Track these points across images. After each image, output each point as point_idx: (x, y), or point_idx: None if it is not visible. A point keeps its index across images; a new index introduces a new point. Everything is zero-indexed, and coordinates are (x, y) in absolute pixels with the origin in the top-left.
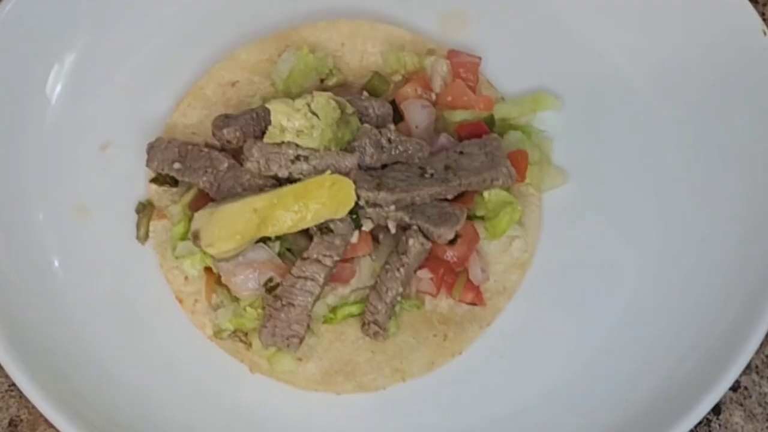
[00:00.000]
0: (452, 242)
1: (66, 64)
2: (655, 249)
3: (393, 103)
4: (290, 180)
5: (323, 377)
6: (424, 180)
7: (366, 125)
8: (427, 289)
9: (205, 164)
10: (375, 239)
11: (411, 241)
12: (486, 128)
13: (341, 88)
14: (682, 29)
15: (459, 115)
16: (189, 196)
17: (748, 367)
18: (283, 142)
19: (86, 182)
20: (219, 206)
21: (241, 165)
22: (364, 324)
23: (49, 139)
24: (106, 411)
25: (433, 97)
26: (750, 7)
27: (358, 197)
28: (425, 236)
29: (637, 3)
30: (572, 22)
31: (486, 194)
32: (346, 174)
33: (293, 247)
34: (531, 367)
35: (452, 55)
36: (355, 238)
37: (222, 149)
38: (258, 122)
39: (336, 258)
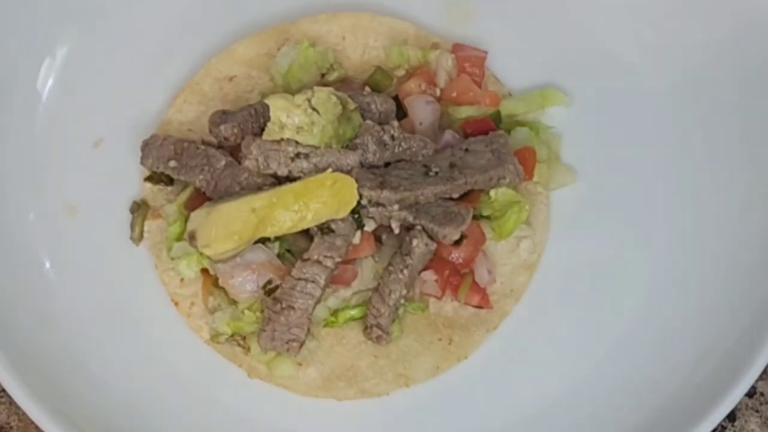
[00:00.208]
0: (458, 243)
1: (57, 58)
2: (668, 249)
3: (396, 98)
4: (290, 178)
5: (324, 383)
6: (428, 178)
7: (368, 122)
8: (431, 292)
9: (202, 162)
10: (378, 240)
11: (415, 242)
12: (492, 125)
13: (342, 84)
14: (695, 21)
15: (464, 111)
16: (185, 195)
17: (765, 372)
18: (282, 139)
19: (78, 181)
20: (216, 206)
21: (239, 163)
22: (366, 327)
23: (39, 136)
24: (98, 417)
25: (438, 92)
26: None
27: (360, 196)
28: (430, 237)
29: None
30: (581, 15)
31: (492, 193)
32: (348, 172)
33: (293, 248)
34: (539, 372)
35: (457, 49)
36: (357, 239)
37: (219, 146)
38: (256, 118)
39: (337, 259)
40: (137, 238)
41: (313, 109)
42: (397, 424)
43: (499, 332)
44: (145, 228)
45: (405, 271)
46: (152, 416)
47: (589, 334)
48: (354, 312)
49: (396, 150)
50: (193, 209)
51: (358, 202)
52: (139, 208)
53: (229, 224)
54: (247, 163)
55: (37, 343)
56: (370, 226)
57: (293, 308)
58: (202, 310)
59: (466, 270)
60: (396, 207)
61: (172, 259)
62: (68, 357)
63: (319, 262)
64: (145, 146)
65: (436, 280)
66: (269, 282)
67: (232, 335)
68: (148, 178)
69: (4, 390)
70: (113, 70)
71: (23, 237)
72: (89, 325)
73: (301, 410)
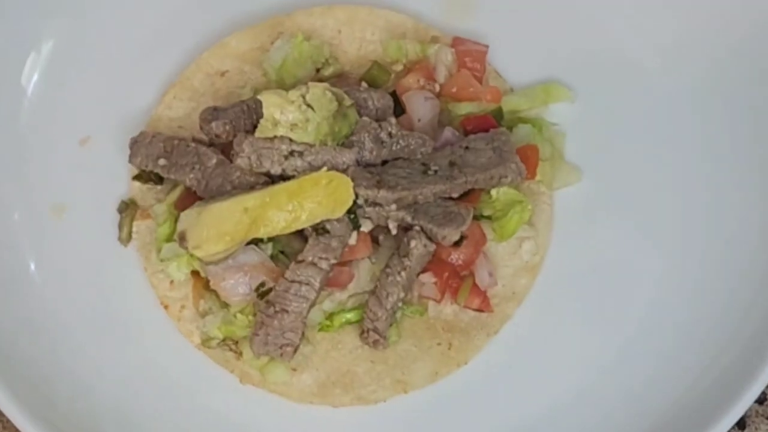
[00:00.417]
0: (457, 244)
1: (43, 52)
2: (676, 251)
3: (394, 94)
4: (283, 177)
5: (319, 389)
6: (427, 177)
7: (365, 118)
8: (430, 295)
9: (193, 160)
10: (375, 241)
11: (413, 243)
12: (493, 122)
13: (338, 79)
14: (706, 15)
15: (464, 108)
16: (175, 195)
17: None
18: (275, 137)
19: (64, 180)
20: (207, 205)
21: (231, 161)
22: (363, 332)
23: (24, 133)
24: (86, 425)
25: (437, 88)
26: None
27: (357, 196)
28: (428, 237)
29: None
30: (587, 7)
31: (494, 192)
32: (344, 171)
33: (287, 249)
34: (541, 378)
35: (457, 43)
36: (353, 240)
37: (210, 144)
38: (249, 115)
39: (333, 261)
40: (125, 239)
41: (308, 105)
42: (394, 431)
43: (500, 337)
44: (134, 229)
45: (403, 274)
46: (141, 424)
47: (594, 339)
48: (350, 316)
49: (393, 148)
50: (183, 209)
51: (354, 202)
52: (128, 208)
53: (220, 225)
54: (239, 161)
55: (21, 348)
56: (366, 226)
57: (287, 312)
58: (192, 313)
59: (466, 272)
60: (393, 207)
61: (162, 260)
62: (54, 362)
63: (313, 263)
64: (134, 144)
65: (435, 283)
66: (262, 284)
67: (224, 340)
68: (137, 177)
69: None
70: (101, 64)
71: (7, 238)
72: (76, 329)
73: (296, 417)
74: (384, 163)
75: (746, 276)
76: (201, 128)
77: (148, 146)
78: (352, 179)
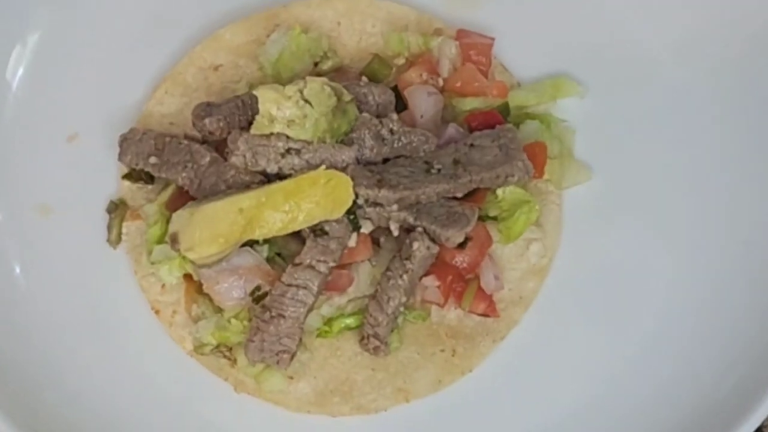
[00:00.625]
0: (462, 246)
1: (29, 45)
2: (690, 253)
3: (395, 89)
4: (280, 176)
5: (317, 397)
6: (430, 176)
7: (365, 114)
8: (433, 299)
9: (185, 158)
10: (375, 243)
11: (416, 245)
12: (499, 118)
13: (337, 73)
14: (722, 7)
15: (469, 103)
16: (166, 195)
17: None
18: (272, 134)
19: (51, 178)
20: (200, 206)
21: (225, 159)
22: (362, 338)
23: (9, 130)
24: None
25: (441, 82)
26: None
27: (357, 195)
28: (431, 239)
29: None
30: None
31: (500, 192)
32: (343, 169)
33: (283, 251)
34: (549, 386)
35: (462, 35)
36: (352, 242)
37: (203, 141)
38: (244, 111)
39: (331, 264)
40: (115, 240)
41: (306, 100)
42: None
43: (506, 343)
44: (124, 230)
45: (405, 277)
46: None
47: (604, 345)
48: (349, 321)
49: (395, 145)
50: (175, 209)
51: (354, 202)
52: (117, 209)
53: (214, 226)
54: (233, 159)
55: (5, 354)
56: (366, 227)
57: (284, 317)
58: (185, 318)
59: (470, 275)
60: (395, 207)
61: (153, 263)
62: (40, 369)
63: (311, 266)
64: (124, 141)
65: (439, 287)
66: (257, 288)
67: (218, 346)
68: (127, 176)
69: None
70: (89, 57)
71: None
72: (63, 334)
73: (293, 428)
74: (385, 161)
75: (765, 279)
76: (194, 125)
77: (139, 144)
78: (352, 178)
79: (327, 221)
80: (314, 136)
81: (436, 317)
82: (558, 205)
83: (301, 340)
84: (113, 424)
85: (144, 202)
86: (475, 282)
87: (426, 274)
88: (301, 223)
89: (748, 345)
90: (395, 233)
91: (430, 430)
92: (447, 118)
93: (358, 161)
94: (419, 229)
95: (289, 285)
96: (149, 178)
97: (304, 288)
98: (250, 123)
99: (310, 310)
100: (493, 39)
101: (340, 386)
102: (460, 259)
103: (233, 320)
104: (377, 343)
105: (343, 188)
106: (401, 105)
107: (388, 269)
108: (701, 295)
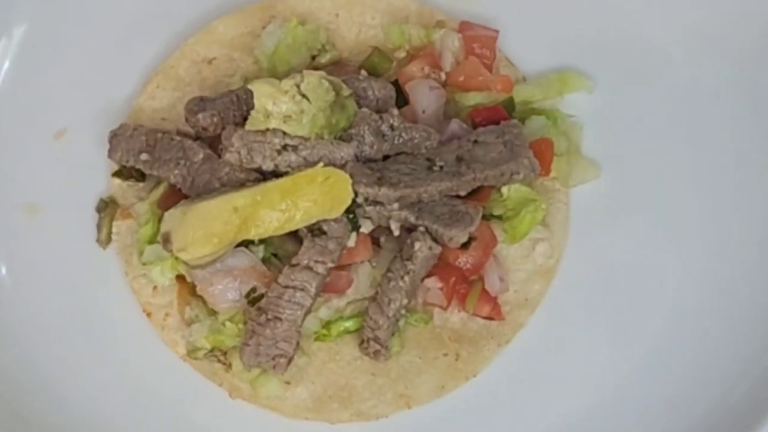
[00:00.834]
0: (465, 246)
1: (14, 38)
2: (702, 254)
3: (396, 83)
4: (276, 174)
5: (315, 403)
6: (432, 174)
7: (364, 110)
8: (436, 301)
9: (177, 155)
10: (375, 243)
11: (417, 245)
12: (504, 113)
13: (336, 67)
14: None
15: (473, 98)
16: (158, 193)
17: None
18: (267, 130)
19: (38, 176)
20: (193, 204)
21: (219, 156)
22: (362, 341)
23: None
24: None
25: (443, 76)
26: None
27: (356, 194)
28: (434, 239)
29: None
30: None
31: (505, 190)
32: (342, 167)
33: (280, 252)
34: (556, 392)
35: (465, 27)
36: (352, 242)
37: (197, 138)
38: (238, 106)
39: (330, 264)
40: (105, 240)
41: (303, 95)
42: None
43: (511, 347)
44: (114, 229)
45: (406, 278)
46: None
47: (613, 349)
48: (349, 324)
49: (396, 141)
50: (167, 208)
51: (353, 201)
52: (107, 207)
53: (207, 225)
54: (228, 156)
55: None
56: (366, 227)
57: (280, 320)
58: (177, 321)
59: (474, 277)
60: (396, 206)
61: (144, 264)
62: (27, 374)
63: (309, 267)
64: (114, 137)
65: (441, 288)
66: (253, 290)
67: (212, 350)
68: (117, 173)
69: None
70: (77, 50)
71: None
72: (50, 338)
73: None
74: (385, 158)
75: None
76: (186, 120)
77: (129, 140)
78: (351, 176)
79: (325, 220)
80: (312, 132)
81: (438, 320)
82: (565, 203)
83: (298, 343)
84: (102, 430)
85: (135, 201)
86: (479, 284)
87: (428, 276)
88: (298, 222)
89: (761, 348)
90: (396, 233)
91: None
92: (449, 114)
93: (357, 158)
94: (421, 228)
95: (286, 287)
96: (140, 176)
97: (302, 290)
98: (245, 118)
99: (307, 312)
100: (497, 31)
101: (339, 392)
102: (464, 260)
103: (228, 323)
104: (377, 347)
105: (341, 186)
106: (402, 100)
107: (388, 270)
108: (713, 297)
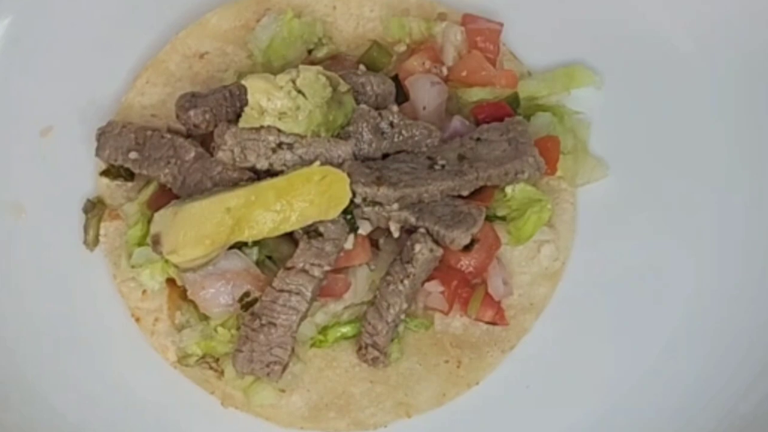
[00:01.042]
0: (468, 248)
1: None
2: (713, 256)
3: (396, 79)
4: (271, 173)
5: (311, 412)
6: (433, 173)
7: (363, 106)
8: (437, 306)
9: (168, 153)
10: (374, 245)
11: (418, 247)
12: (508, 109)
13: (333, 61)
14: None
15: (476, 94)
16: (148, 193)
17: None
18: (262, 127)
19: (23, 175)
20: (184, 205)
21: (211, 154)
22: (360, 348)
23: None
24: None
25: (445, 71)
26: None
27: (354, 194)
28: (435, 241)
29: None
30: None
31: (509, 190)
32: (339, 165)
33: (274, 254)
34: (562, 399)
35: (468, 20)
36: (349, 244)
37: (188, 135)
38: (232, 102)
39: (326, 268)
40: (92, 242)
41: (298, 91)
42: None
43: (516, 353)
44: (101, 231)
45: (406, 282)
46: None
47: (621, 355)
48: (346, 330)
49: (395, 139)
50: (157, 209)
51: (351, 201)
52: (94, 208)
53: (199, 226)
54: (220, 154)
55: None
56: (365, 228)
57: (275, 325)
58: (167, 327)
59: (477, 280)
60: (395, 206)
61: (133, 267)
62: (12, 381)
63: (305, 271)
64: (101, 135)
65: (443, 292)
66: (246, 294)
67: (203, 357)
68: (105, 173)
69: None
70: (64, 44)
71: None
72: (35, 343)
73: None
74: (385, 156)
75: None
76: (177, 117)
77: (118, 138)
78: (349, 175)
79: (322, 222)
80: (308, 130)
81: (439, 325)
82: (572, 204)
83: (293, 350)
84: None
85: (123, 201)
86: (482, 287)
87: (429, 279)
88: (294, 223)
89: None
90: (396, 234)
91: None
92: (452, 110)
93: (355, 157)
94: (422, 230)
95: (281, 291)
96: (129, 175)
97: (297, 294)
98: (239, 115)
99: (303, 317)
100: (501, 24)
101: (336, 400)
102: (466, 263)
103: (220, 329)
104: (376, 353)
105: (339, 186)
106: (402, 96)
107: (387, 274)
108: (725, 302)
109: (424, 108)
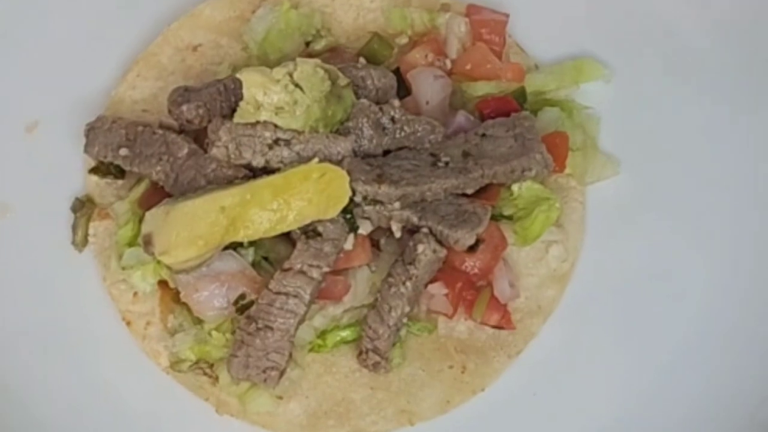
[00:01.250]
0: (473, 249)
1: None
2: (726, 257)
3: (397, 72)
4: (267, 170)
5: (309, 420)
6: (436, 170)
7: (363, 101)
8: (440, 309)
9: (160, 150)
10: (375, 245)
11: (420, 248)
12: (515, 104)
13: (332, 54)
14: None
15: (481, 88)
16: (139, 191)
17: None
18: (258, 122)
19: (8, 173)
20: (177, 203)
21: (205, 151)
22: (361, 352)
23: None
24: None
25: (448, 64)
26: None
27: (354, 192)
28: (438, 241)
29: None
30: None
31: (515, 188)
32: (338, 162)
33: (271, 255)
34: (570, 406)
35: (472, 11)
36: (349, 244)
37: (181, 131)
38: (226, 97)
39: (325, 269)
40: (81, 242)
41: (296, 85)
42: None
43: (523, 358)
44: (91, 231)
45: (408, 284)
46: None
47: (632, 360)
48: (346, 334)
49: (397, 135)
50: (148, 208)
51: (351, 200)
52: (83, 207)
53: (192, 226)
54: (214, 151)
55: None
56: (365, 228)
57: (271, 329)
58: (159, 331)
59: (482, 282)
60: (397, 205)
61: (124, 268)
62: None
63: (302, 272)
64: (90, 131)
65: (447, 295)
66: (242, 297)
67: (197, 362)
68: (94, 170)
69: None
70: (51, 37)
71: None
72: (22, 348)
73: None
74: (386, 153)
75: None
76: (170, 112)
77: (107, 133)
78: (348, 172)
79: (320, 221)
80: (306, 125)
81: (443, 329)
82: (581, 202)
83: (291, 355)
84: None
85: (113, 200)
86: (487, 290)
87: (432, 281)
88: (291, 223)
89: None
90: (397, 235)
91: None
92: (456, 105)
93: (355, 153)
94: (424, 230)
95: (278, 293)
96: (119, 173)
97: (295, 296)
98: (233, 110)
99: (301, 321)
100: (507, 15)
101: (336, 407)
102: (471, 264)
103: (214, 333)
104: (377, 358)
105: (338, 184)
106: (404, 90)
107: (389, 275)
108: (739, 305)
109: (427, 102)
